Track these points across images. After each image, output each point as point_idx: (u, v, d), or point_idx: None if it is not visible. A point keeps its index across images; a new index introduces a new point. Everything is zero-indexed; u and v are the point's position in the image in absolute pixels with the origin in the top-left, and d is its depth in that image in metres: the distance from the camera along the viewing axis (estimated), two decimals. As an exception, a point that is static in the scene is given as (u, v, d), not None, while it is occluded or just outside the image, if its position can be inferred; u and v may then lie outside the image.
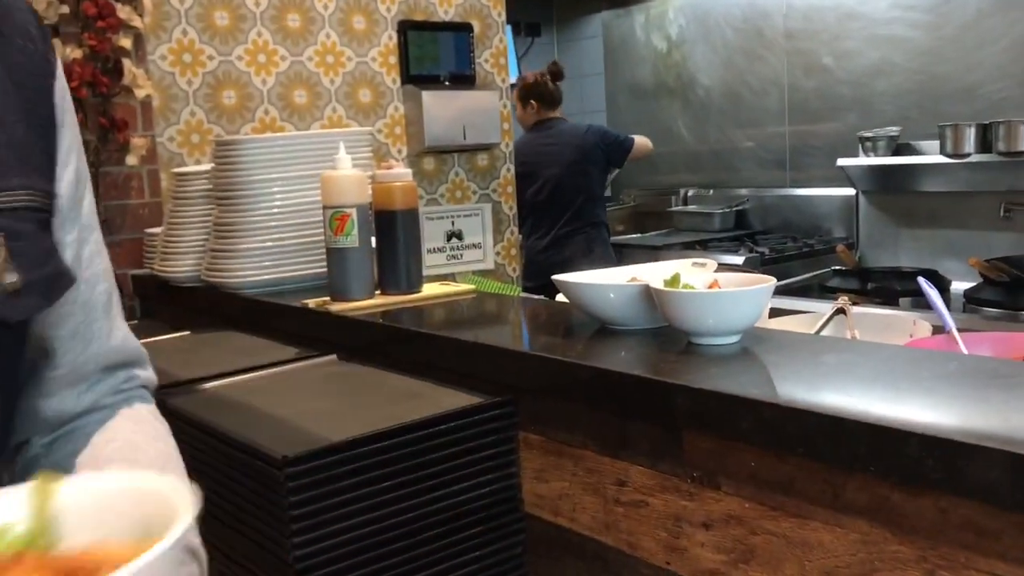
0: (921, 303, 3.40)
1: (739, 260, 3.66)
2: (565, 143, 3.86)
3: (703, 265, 1.40)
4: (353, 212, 1.61)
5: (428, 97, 2.75)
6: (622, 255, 4.09)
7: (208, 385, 1.46)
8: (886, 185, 3.85)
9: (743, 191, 4.49)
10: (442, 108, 2.77)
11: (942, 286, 3.51)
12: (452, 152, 2.90)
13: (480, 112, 2.85)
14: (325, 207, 1.63)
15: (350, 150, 1.89)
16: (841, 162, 3.86)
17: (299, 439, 1.15)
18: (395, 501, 1.15)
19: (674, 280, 1.17)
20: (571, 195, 3.86)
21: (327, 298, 1.65)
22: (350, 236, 1.62)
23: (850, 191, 3.97)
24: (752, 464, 0.96)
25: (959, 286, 3.43)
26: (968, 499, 0.78)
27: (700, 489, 1.02)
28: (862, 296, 3.34)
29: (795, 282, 3.59)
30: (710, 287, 1.22)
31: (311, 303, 1.66)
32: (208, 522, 1.29)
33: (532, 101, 3.89)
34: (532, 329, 1.44)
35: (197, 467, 1.31)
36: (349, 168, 1.64)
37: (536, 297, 1.88)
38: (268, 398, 1.38)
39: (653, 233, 4.59)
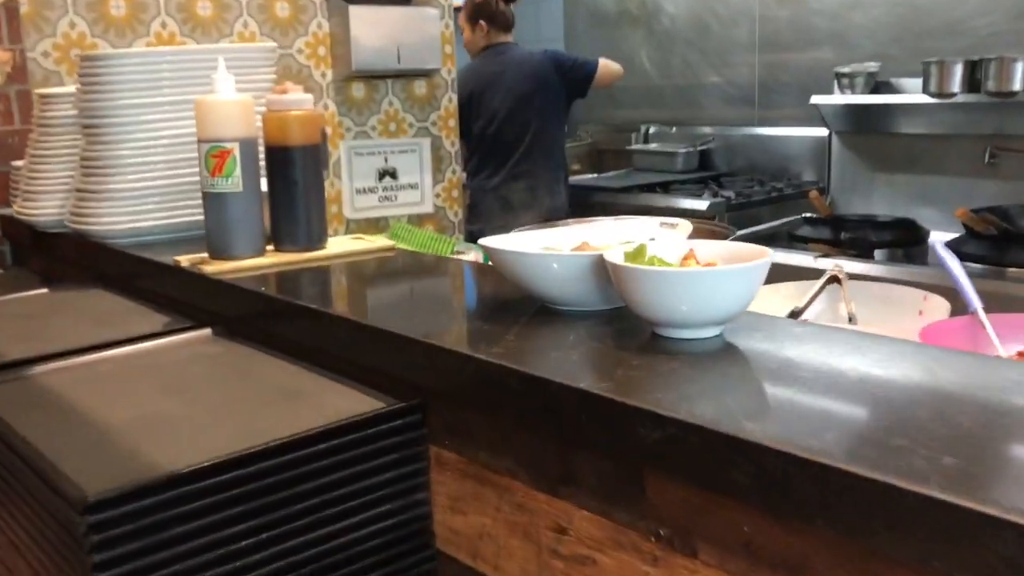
0: (897, 256, 3.15)
1: (703, 205, 3.37)
2: (517, 71, 3.49)
3: (673, 226, 1.10)
4: (235, 147, 1.28)
5: (356, 13, 2.39)
6: (576, 198, 3.77)
7: (37, 370, 1.13)
8: (862, 126, 3.56)
9: (707, 129, 4.18)
10: (373, 26, 2.41)
11: (918, 237, 3.27)
12: (385, 78, 2.55)
13: (417, 32, 2.48)
14: (200, 141, 1.30)
15: (246, 71, 1.56)
16: (815, 100, 3.56)
17: (124, 464, 0.84)
18: (257, 548, 0.85)
19: (639, 253, 0.87)
20: (522, 130, 3.50)
21: (206, 255, 1.33)
22: (231, 178, 1.29)
23: (823, 131, 3.68)
24: (745, 529, 0.67)
25: (937, 237, 3.18)
26: (1096, 634, 0.50)
27: (669, 553, 0.73)
28: (835, 247, 3.08)
29: (762, 230, 3.31)
30: (683, 261, 0.92)
31: (184, 260, 1.33)
32: (8, 560, 0.99)
33: (481, 22, 3.50)
34: (453, 308, 1.13)
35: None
36: (230, 92, 1.30)
37: (468, 259, 1.57)
38: (110, 391, 1.06)
39: (611, 173, 4.27)
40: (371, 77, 2.51)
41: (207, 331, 1.25)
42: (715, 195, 3.53)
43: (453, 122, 2.70)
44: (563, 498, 0.81)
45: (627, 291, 0.87)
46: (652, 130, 4.37)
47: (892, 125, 3.45)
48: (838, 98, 3.52)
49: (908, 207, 3.40)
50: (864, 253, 3.04)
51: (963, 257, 2.86)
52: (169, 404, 1.01)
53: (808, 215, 3.34)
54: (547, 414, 0.79)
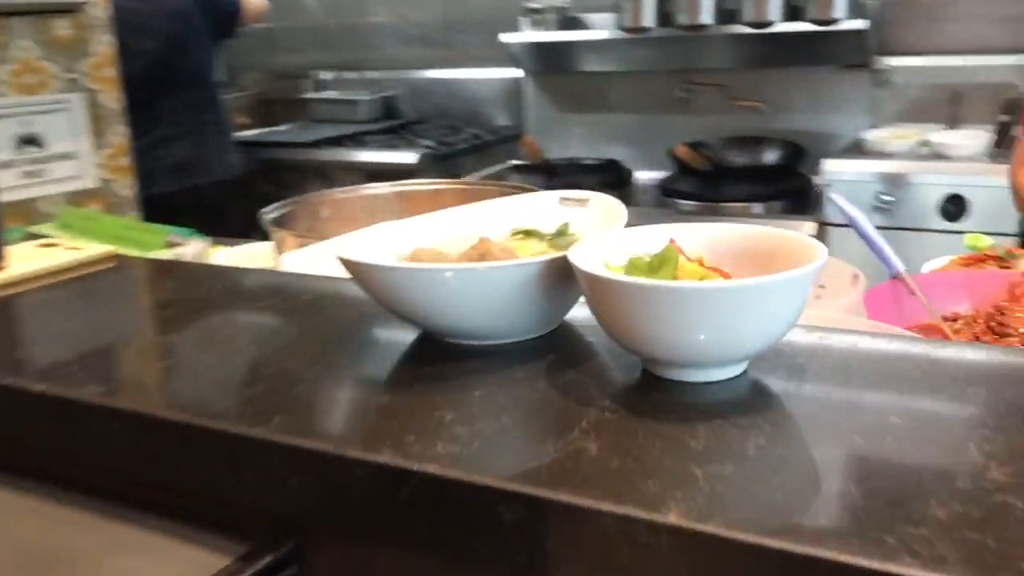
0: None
1: (412, 158, 3.04)
2: (158, 8, 2.92)
3: (581, 201, 0.80)
4: None
5: (-37, -75, 1.75)
6: (250, 155, 3.29)
7: None
8: (554, 65, 3.43)
9: (385, 73, 3.85)
10: (-10, -56, 1.78)
11: (623, 178, 3.22)
12: (12, 15, 1.92)
13: (54, -46, 1.89)
14: None
15: None
16: (503, 38, 3.36)
17: None
18: None
19: (664, 262, 0.55)
20: (175, 78, 2.96)
21: None
22: None
23: (516, 72, 3.50)
24: None
25: (643, 176, 3.16)
26: None
27: None
28: (550, 194, 2.92)
29: (471, 181, 3.08)
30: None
31: None
32: None
33: None
34: (298, 362, 0.71)
35: None
36: None
37: (189, 252, 1.12)
38: None
39: (283, 127, 3.79)
40: (-7, 14, 1.88)
41: None
42: (412, 145, 3.23)
43: (112, 71, 2.14)
44: None
45: (631, 320, 0.55)
46: (327, 76, 3.95)
47: (585, 63, 3.36)
48: (528, 35, 3.34)
49: (607, 147, 3.34)
50: (579, 198, 2.91)
51: (677, 195, 2.85)
52: None
53: (516, 162, 3.17)
54: (594, 559, 0.45)
